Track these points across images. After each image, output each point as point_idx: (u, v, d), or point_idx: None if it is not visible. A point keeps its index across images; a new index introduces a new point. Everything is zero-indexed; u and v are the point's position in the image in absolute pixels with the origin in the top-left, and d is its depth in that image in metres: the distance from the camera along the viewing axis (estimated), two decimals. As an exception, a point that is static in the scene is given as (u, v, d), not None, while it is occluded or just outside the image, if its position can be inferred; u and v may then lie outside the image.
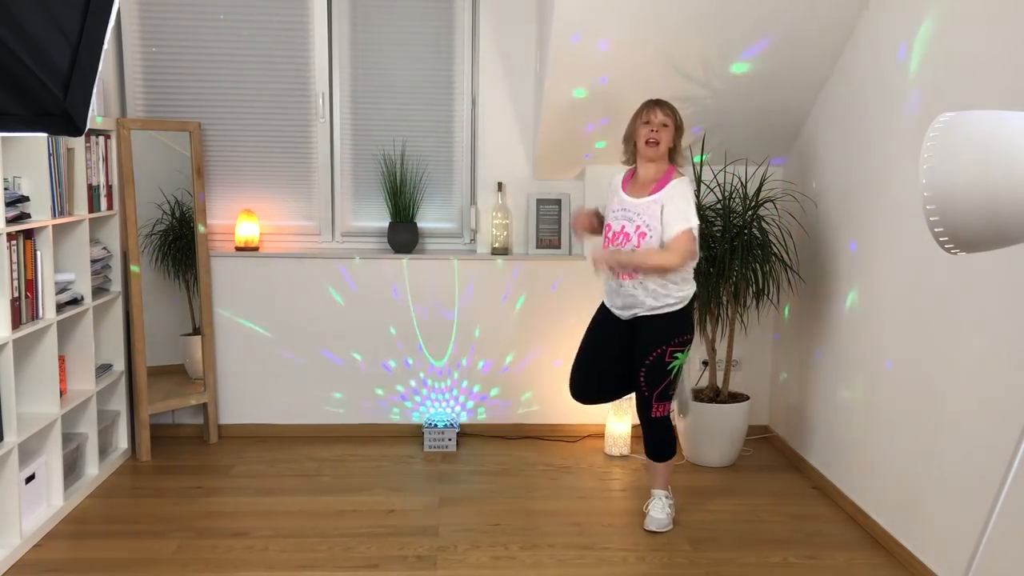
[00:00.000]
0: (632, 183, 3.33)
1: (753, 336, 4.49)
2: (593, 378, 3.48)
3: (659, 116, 3.23)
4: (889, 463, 3.27)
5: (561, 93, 3.87)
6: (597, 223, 3.48)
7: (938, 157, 1.58)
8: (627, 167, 3.42)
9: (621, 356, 3.39)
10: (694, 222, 3.19)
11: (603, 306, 3.45)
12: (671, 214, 3.19)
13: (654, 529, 3.38)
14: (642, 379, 3.30)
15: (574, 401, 3.57)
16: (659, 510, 3.41)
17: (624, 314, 3.33)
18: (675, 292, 3.25)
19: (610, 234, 3.29)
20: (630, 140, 3.35)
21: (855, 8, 3.51)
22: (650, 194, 3.24)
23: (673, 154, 3.30)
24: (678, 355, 3.29)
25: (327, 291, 4.34)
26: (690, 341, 3.33)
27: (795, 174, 4.22)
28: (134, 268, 3.98)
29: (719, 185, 4.13)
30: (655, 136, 3.22)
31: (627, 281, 3.26)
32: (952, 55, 2.88)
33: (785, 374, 4.35)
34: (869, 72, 3.48)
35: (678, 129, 3.28)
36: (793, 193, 4.18)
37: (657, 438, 3.39)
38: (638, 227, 3.22)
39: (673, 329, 3.27)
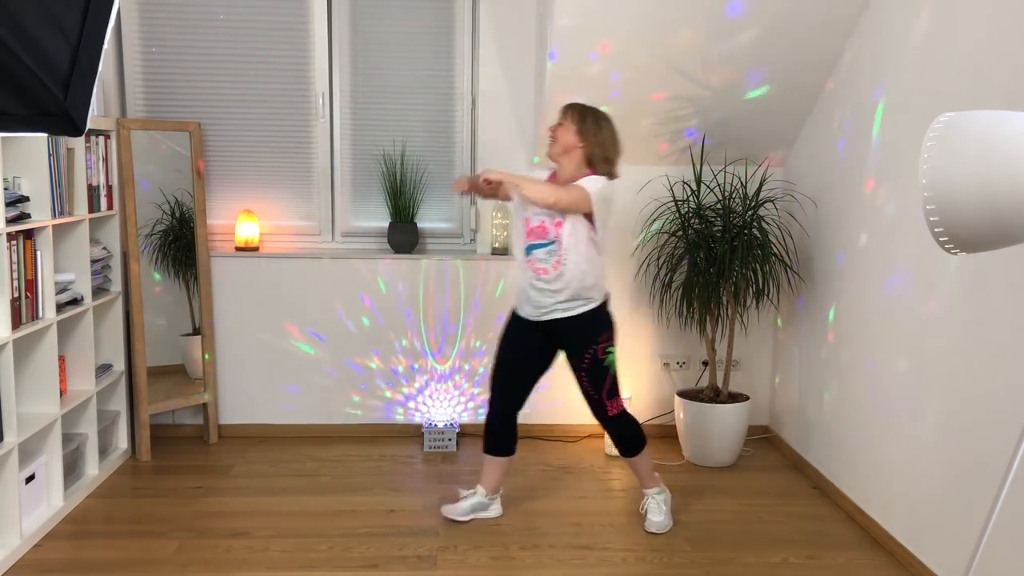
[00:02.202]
0: (553, 182, 3.34)
1: (753, 336, 4.49)
2: (518, 388, 3.43)
3: (559, 117, 3.28)
4: (889, 463, 3.27)
5: (562, 91, 3.87)
6: (479, 187, 3.38)
7: (938, 157, 1.58)
8: (551, 170, 3.42)
9: (538, 362, 3.41)
10: (589, 191, 3.17)
11: (515, 316, 3.40)
12: (578, 182, 3.20)
13: (655, 531, 3.38)
14: (586, 383, 3.31)
15: (494, 410, 3.48)
16: (656, 511, 3.41)
17: (539, 317, 3.30)
18: (585, 294, 3.26)
19: (528, 228, 3.30)
20: None
21: (856, 7, 3.51)
22: None
23: (593, 159, 3.27)
24: (610, 350, 3.31)
25: (327, 291, 4.34)
26: (615, 335, 3.33)
27: (795, 174, 4.22)
28: (155, 276, 3.98)
29: (719, 185, 4.13)
30: (552, 134, 3.29)
31: (541, 276, 3.24)
32: (952, 55, 2.88)
33: (785, 374, 4.35)
34: (870, 71, 3.48)
35: (582, 133, 3.24)
36: (793, 193, 4.18)
37: (623, 433, 3.38)
38: (553, 216, 3.23)
39: (596, 329, 3.29)
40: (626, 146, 4.20)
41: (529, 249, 3.29)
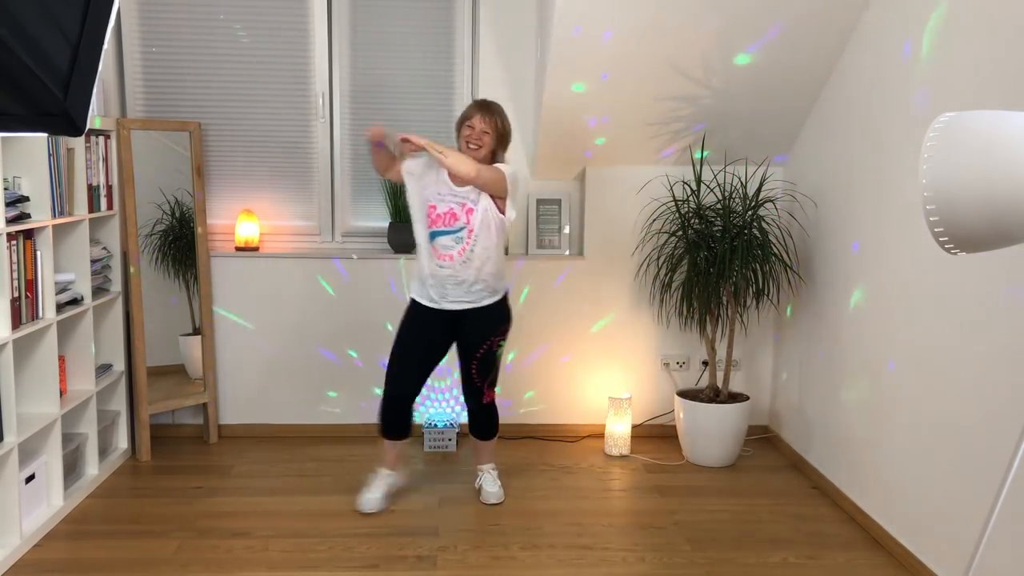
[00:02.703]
0: (454, 178, 3.34)
1: (753, 336, 4.49)
2: (416, 377, 3.50)
3: (480, 124, 3.29)
4: (889, 463, 3.27)
5: (561, 90, 3.87)
6: (392, 142, 3.40)
7: (938, 157, 1.58)
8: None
9: (437, 350, 3.49)
10: (509, 173, 3.28)
11: (416, 305, 3.45)
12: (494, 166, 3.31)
13: (494, 502, 3.58)
14: (474, 371, 3.45)
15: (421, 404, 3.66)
16: (492, 483, 3.63)
17: (445, 306, 3.37)
18: (493, 285, 3.39)
19: (434, 215, 3.32)
20: (457, 133, 3.41)
21: (856, 7, 3.51)
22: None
23: (497, 157, 3.36)
24: (502, 343, 3.49)
25: (327, 291, 4.34)
26: (509, 329, 3.51)
27: (795, 174, 4.22)
28: (142, 269, 3.98)
29: (719, 185, 4.13)
30: (477, 141, 3.30)
31: (447, 263, 3.31)
32: (953, 55, 2.88)
33: (785, 374, 4.35)
34: (869, 72, 3.48)
35: (501, 137, 3.34)
36: (793, 193, 4.18)
37: (489, 420, 3.60)
38: (463, 204, 3.30)
39: (497, 322, 3.44)
40: (626, 146, 4.22)
41: (434, 236, 3.33)
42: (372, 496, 3.52)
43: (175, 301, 4.28)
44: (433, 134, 4.40)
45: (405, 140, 3.26)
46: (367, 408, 4.44)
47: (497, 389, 3.64)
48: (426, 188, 3.37)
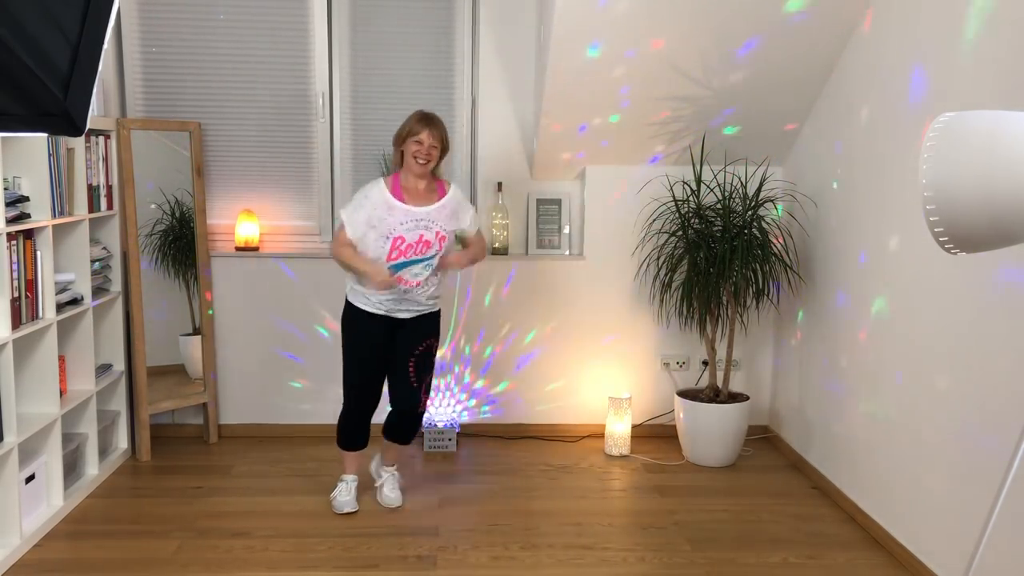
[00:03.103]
0: (406, 193, 3.30)
1: (753, 336, 4.49)
2: (377, 388, 3.50)
3: (428, 139, 3.26)
4: (889, 463, 3.27)
5: (562, 91, 3.87)
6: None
7: (938, 157, 1.58)
8: (385, 180, 3.33)
9: (390, 355, 3.45)
10: (476, 221, 3.51)
11: (361, 315, 3.37)
12: (469, 223, 3.44)
13: (395, 506, 3.55)
14: (411, 369, 3.41)
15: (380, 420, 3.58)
16: (393, 487, 3.61)
17: (408, 315, 3.38)
18: (440, 292, 3.47)
19: (403, 246, 3.26)
20: (398, 148, 3.34)
21: (856, 7, 3.50)
22: (438, 200, 3.35)
23: (436, 171, 3.38)
24: (437, 348, 3.53)
25: (327, 291, 4.34)
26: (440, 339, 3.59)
27: (795, 174, 4.22)
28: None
29: (719, 185, 4.13)
30: (425, 156, 3.27)
31: (416, 288, 3.34)
32: (953, 54, 2.88)
33: (785, 374, 4.34)
34: (870, 71, 3.48)
35: (445, 150, 3.35)
36: (793, 193, 4.18)
37: (414, 426, 3.54)
38: (437, 233, 3.32)
39: (435, 327, 3.49)
40: (627, 146, 4.22)
41: (399, 267, 3.28)
42: (346, 499, 3.53)
43: (164, 303, 4.27)
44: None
45: (446, 265, 3.39)
46: (367, 408, 4.44)
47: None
48: (383, 223, 3.26)
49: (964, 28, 2.82)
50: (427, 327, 3.45)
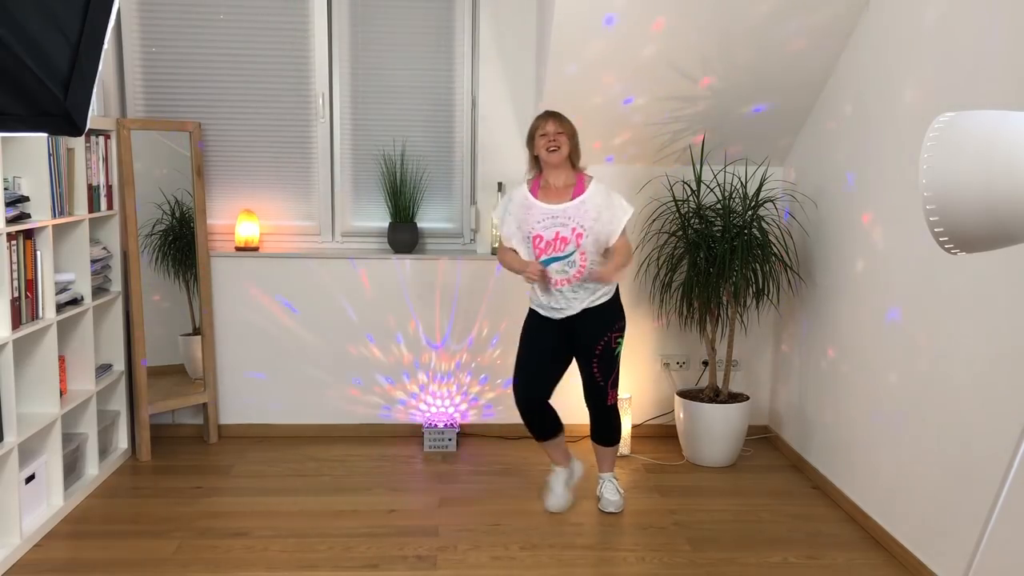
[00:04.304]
0: (544, 192, 3.38)
1: (753, 336, 4.49)
2: (542, 380, 3.52)
3: (553, 127, 3.33)
4: (889, 463, 3.27)
5: (562, 91, 3.87)
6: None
7: (938, 157, 1.58)
8: (527, 182, 3.45)
9: (560, 354, 3.49)
10: (629, 218, 3.37)
11: (534, 313, 3.49)
12: (612, 220, 3.34)
13: (613, 511, 3.56)
14: (596, 371, 3.44)
15: (527, 405, 3.58)
16: (613, 492, 3.60)
17: (560, 315, 3.40)
18: (604, 286, 3.40)
19: (542, 244, 3.33)
20: (531, 151, 3.42)
21: (856, 7, 3.51)
22: (573, 198, 3.35)
23: (574, 158, 3.40)
24: (620, 340, 3.46)
25: (327, 291, 4.34)
26: (625, 326, 3.50)
27: (795, 174, 4.22)
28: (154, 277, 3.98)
29: (719, 185, 4.13)
30: (554, 144, 3.32)
31: (565, 287, 3.35)
32: (953, 54, 2.88)
33: (785, 374, 4.34)
34: (870, 71, 3.48)
35: (572, 136, 3.38)
36: (793, 193, 4.18)
37: (613, 424, 3.59)
38: (573, 229, 3.31)
39: (611, 318, 3.42)
40: (627, 146, 4.22)
41: (545, 263, 3.34)
42: (556, 495, 3.57)
43: (156, 297, 4.27)
44: (433, 133, 4.42)
45: (592, 278, 3.32)
46: (368, 408, 4.44)
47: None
48: (524, 223, 3.37)
49: (965, 27, 2.82)
50: (597, 327, 3.39)
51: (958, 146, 1.56)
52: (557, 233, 3.31)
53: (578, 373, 3.51)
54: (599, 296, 3.39)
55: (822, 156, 3.92)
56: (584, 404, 3.52)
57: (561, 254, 3.31)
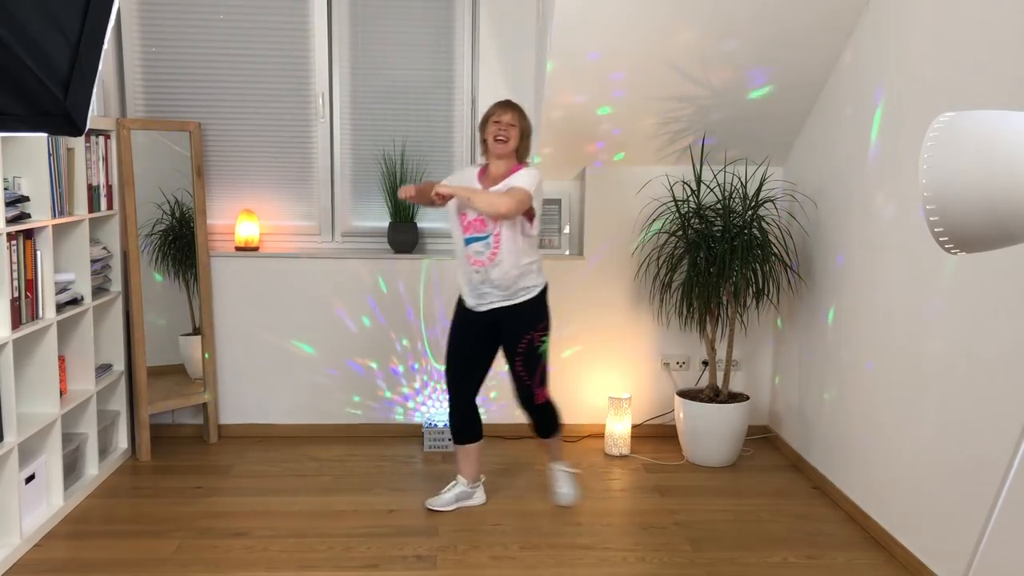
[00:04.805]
0: (485, 178, 3.45)
1: (753, 336, 4.49)
2: (475, 377, 3.54)
3: (507, 117, 3.38)
4: (889, 463, 3.27)
5: (562, 91, 3.87)
6: (428, 197, 3.44)
7: (938, 156, 1.57)
8: (480, 166, 3.51)
9: (484, 349, 3.51)
10: (531, 188, 3.31)
11: (461, 307, 3.51)
12: (516, 180, 3.34)
13: (568, 504, 3.57)
14: (520, 368, 3.44)
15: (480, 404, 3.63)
16: (565, 483, 3.61)
17: (480, 307, 3.43)
18: (527, 283, 3.40)
19: (466, 222, 3.39)
20: (481, 138, 3.47)
21: (856, 6, 3.51)
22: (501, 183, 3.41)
23: (521, 153, 3.45)
24: (544, 339, 3.46)
25: (327, 291, 4.34)
26: (550, 326, 3.49)
27: (795, 174, 4.22)
28: (157, 277, 3.98)
29: (719, 185, 4.13)
30: (504, 134, 3.37)
31: (479, 268, 3.36)
32: (953, 55, 2.88)
33: (785, 374, 4.34)
34: (870, 71, 3.48)
35: (524, 132, 3.43)
36: (793, 193, 4.18)
37: (548, 420, 3.57)
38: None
39: (532, 317, 3.43)
40: (626, 146, 4.22)
41: (468, 242, 3.40)
42: (444, 497, 3.57)
43: (164, 304, 4.27)
44: (433, 133, 4.42)
45: (438, 195, 3.30)
46: (368, 408, 4.44)
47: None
48: (458, 199, 3.41)
49: (965, 27, 2.82)
50: (519, 324, 3.42)
51: (958, 146, 1.56)
52: (479, 216, 3.35)
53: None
54: (517, 295, 3.40)
55: (822, 156, 3.92)
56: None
57: (480, 234, 3.36)
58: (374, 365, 4.41)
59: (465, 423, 3.56)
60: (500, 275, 3.36)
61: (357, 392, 4.43)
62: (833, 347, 3.78)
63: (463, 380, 3.53)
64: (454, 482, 3.61)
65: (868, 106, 3.47)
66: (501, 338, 3.47)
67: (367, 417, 4.45)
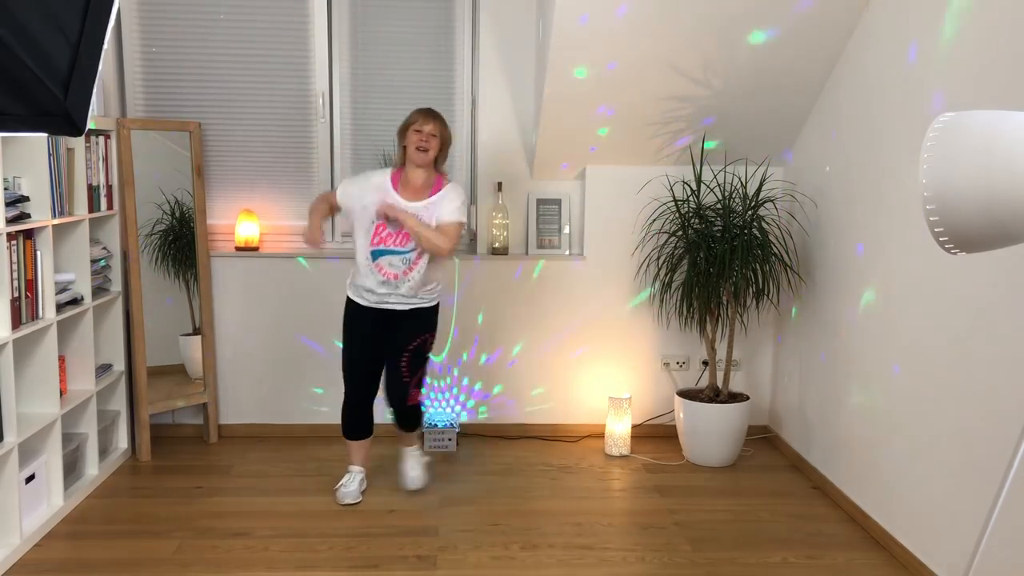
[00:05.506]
0: (403, 187, 3.42)
1: (753, 336, 4.49)
2: (373, 375, 3.57)
3: (429, 127, 3.37)
4: (889, 463, 3.27)
5: (562, 91, 3.87)
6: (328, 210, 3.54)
7: (938, 157, 1.58)
8: (391, 170, 3.48)
9: (379, 351, 3.53)
10: (464, 219, 3.43)
11: (355, 309, 3.50)
12: (448, 210, 3.38)
13: (415, 488, 3.67)
14: (404, 365, 3.47)
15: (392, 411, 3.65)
16: (416, 467, 3.71)
17: (381, 305, 3.44)
18: (430, 289, 3.49)
19: (384, 233, 3.37)
20: (400, 144, 3.46)
21: (856, 7, 3.51)
22: (428, 197, 3.41)
23: (439, 162, 3.46)
24: (432, 344, 3.57)
25: (327, 291, 4.34)
26: (434, 340, 3.60)
27: (795, 174, 4.22)
28: (156, 273, 3.98)
29: (719, 185, 4.13)
30: (425, 144, 3.36)
31: (394, 280, 3.39)
32: (953, 54, 2.88)
33: (785, 374, 4.35)
34: (870, 71, 3.48)
35: (444, 142, 3.43)
36: (793, 193, 4.18)
37: (411, 420, 3.64)
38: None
39: (430, 323, 3.54)
40: (626, 146, 4.22)
41: (377, 254, 3.39)
42: (348, 491, 3.59)
43: (170, 301, 4.27)
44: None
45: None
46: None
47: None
48: (373, 207, 3.38)
49: (965, 27, 2.82)
50: (421, 323, 3.50)
51: (958, 146, 1.56)
52: (401, 228, 3.34)
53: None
54: (420, 298, 3.45)
55: (822, 156, 3.92)
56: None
57: (400, 249, 3.36)
58: (374, 365, 4.41)
59: (364, 419, 3.62)
60: (409, 288, 3.41)
61: (357, 392, 4.42)
62: (833, 347, 3.78)
63: (368, 379, 3.55)
64: (350, 475, 3.64)
65: (868, 105, 3.47)
66: (391, 335, 3.47)
67: (367, 417, 4.44)
